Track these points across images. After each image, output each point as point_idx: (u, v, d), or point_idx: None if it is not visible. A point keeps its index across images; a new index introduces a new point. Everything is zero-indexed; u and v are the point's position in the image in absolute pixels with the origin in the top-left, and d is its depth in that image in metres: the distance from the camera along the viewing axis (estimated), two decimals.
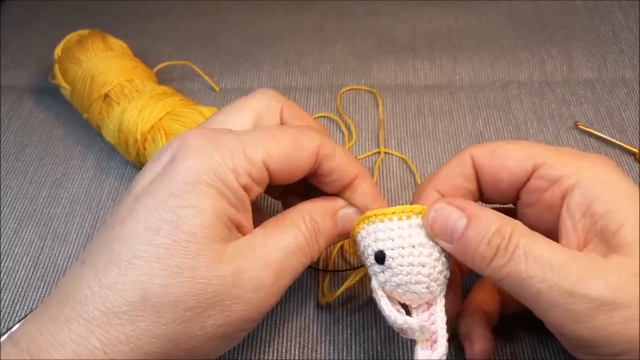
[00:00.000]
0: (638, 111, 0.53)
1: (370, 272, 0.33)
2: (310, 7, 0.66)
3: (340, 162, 0.33)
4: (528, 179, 0.32)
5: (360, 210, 0.34)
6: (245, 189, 0.29)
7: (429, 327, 0.31)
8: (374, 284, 0.32)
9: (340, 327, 0.39)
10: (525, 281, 0.27)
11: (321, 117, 0.54)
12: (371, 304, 0.40)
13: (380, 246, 0.31)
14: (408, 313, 0.32)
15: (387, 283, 0.32)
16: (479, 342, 0.34)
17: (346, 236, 0.35)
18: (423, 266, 0.30)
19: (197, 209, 0.28)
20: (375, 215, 0.32)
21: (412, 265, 0.30)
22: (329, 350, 0.38)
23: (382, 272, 0.31)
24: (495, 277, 0.28)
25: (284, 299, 0.40)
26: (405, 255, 0.31)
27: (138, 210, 0.28)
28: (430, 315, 0.32)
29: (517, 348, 0.37)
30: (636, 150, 0.49)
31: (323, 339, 0.38)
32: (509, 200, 0.34)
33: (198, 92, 0.57)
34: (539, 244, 0.28)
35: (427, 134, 0.52)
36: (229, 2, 0.67)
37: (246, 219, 0.30)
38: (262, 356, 0.38)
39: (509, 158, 0.32)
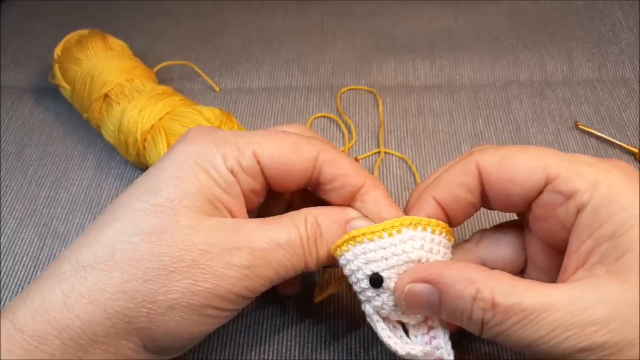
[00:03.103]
0: (638, 111, 0.53)
1: (362, 297, 0.30)
2: (310, 6, 0.66)
3: (343, 169, 0.31)
4: (540, 192, 0.29)
5: (374, 220, 0.32)
6: (233, 173, 0.30)
7: (432, 352, 0.29)
8: (369, 309, 0.30)
9: (341, 327, 0.39)
10: (524, 345, 0.26)
11: (321, 117, 0.54)
12: None
13: (373, 268, 0.29)
14: (404, 329, 0.31)
15: (383, 306, 0.30)
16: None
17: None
18: None
19: (180, 180, 0.29)
20: (362, 234, 0.29)
21: None
22: (329, 350, 0.38)
23: (378, 295, 0.30)
24: (495, 341, 0.27)
25: (284, 299, 0.40)
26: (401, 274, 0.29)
27: (131, 187, 0.30)
28: (429, 328, 0.30)
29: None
30: (636, 150, 0.49)
31: (323, 339, 0.38)
32: (518, 210, 0.32)
33: (198, 92, 0.57)
34: (526, 301, 0.26)
35: (427, 134, 0.52)
36: (229, 1, 0.67)
37: (237, 204, 0.31)
38: (262, 356, 0.38)
39: (519, 169, 0.29)
